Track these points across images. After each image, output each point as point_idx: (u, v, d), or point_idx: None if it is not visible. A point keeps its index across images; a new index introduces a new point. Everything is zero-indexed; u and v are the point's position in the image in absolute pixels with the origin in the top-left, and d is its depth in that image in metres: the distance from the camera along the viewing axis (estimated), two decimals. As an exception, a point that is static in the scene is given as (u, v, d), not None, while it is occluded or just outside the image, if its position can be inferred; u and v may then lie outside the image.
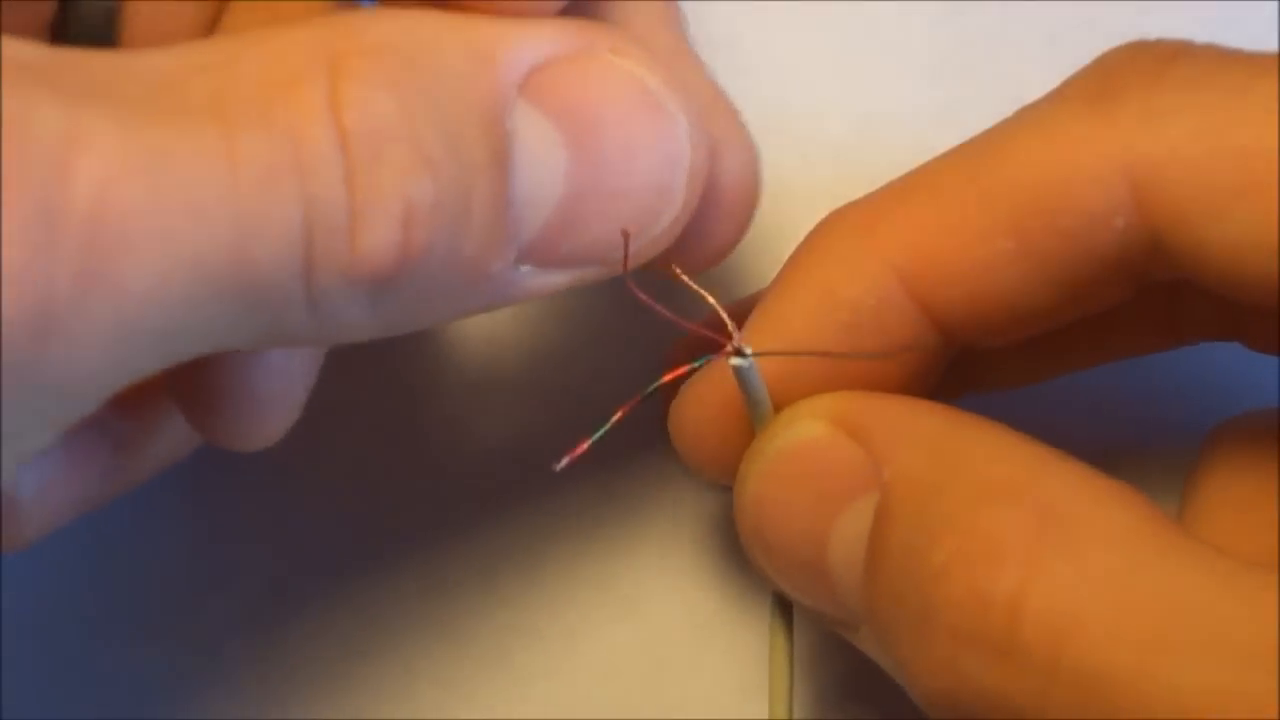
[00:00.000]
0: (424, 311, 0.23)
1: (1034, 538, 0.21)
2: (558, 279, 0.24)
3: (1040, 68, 0.26)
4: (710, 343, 0.25)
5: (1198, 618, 0.20)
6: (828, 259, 0.26)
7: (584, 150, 0.23)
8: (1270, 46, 0.30)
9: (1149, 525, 0.22)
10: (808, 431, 0.25)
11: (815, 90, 0.32)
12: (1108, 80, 0.24)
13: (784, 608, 0.27)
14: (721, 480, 0.27)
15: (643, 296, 0.24)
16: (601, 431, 0.24)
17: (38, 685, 0.31)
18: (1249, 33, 0.32)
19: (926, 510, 0.23)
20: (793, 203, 0.27)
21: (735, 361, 0.25)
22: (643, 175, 0.23)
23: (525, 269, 0.23)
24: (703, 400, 0.27)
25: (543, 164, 0.22)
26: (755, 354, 0.25)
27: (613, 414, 0.24)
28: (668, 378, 0.25)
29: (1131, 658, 0.20)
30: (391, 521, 0.31)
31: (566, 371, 0.31)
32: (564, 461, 0.24)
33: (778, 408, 0.25)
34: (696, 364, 0.25)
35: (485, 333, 0.32)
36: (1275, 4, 0.32)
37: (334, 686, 0.31)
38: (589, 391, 0.31)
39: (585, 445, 0.24)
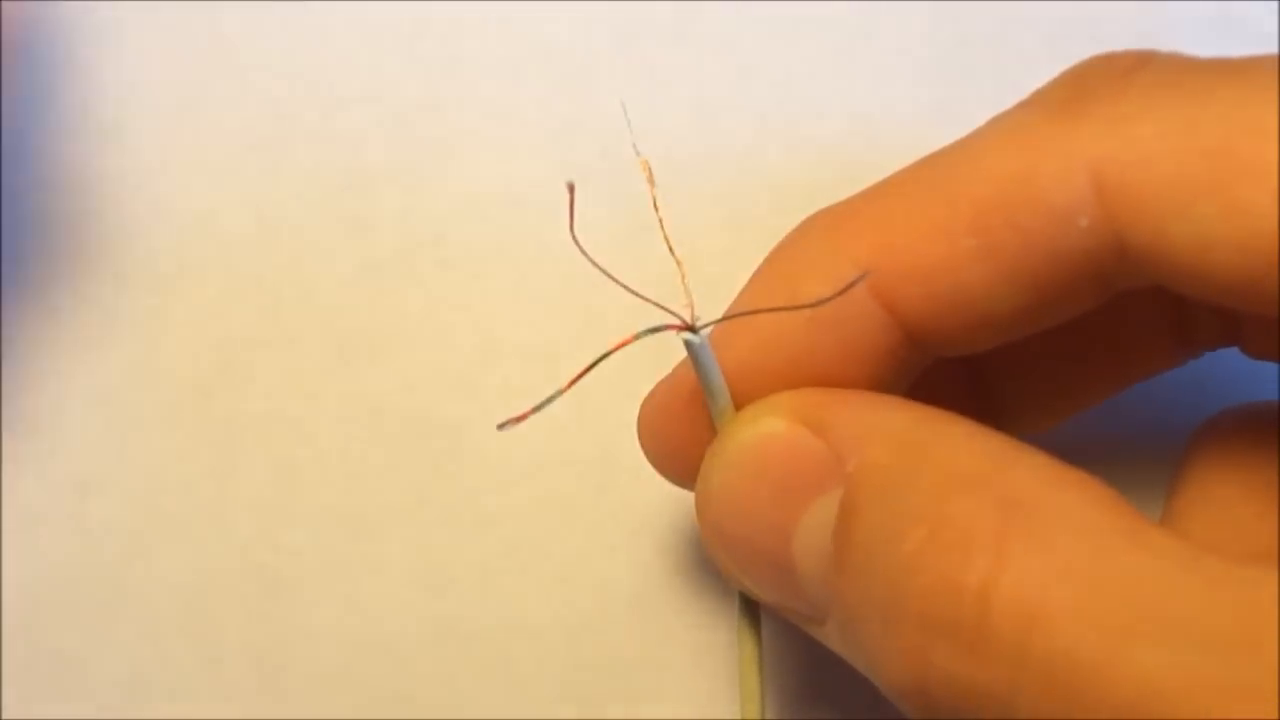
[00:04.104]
0: None
1: (1002, 527, 0.21)
2: None
3: (1040, 68, 0.26)
4: (667, 318, 0.25)
5: (1163, 604, 0.20)
6: (794, 259, 0.26)
7: None
8: (1270, 46, 0.30)
9: (1114, 514, 0.22)
10: (769, 427, 0.25)
11: (815, 90, 0.32)
12: (1075, 88, 0.24)
13: (751, 608, 0.27)
14: (689, 484, 0.27)
15: (605, 270, 0.24)
16: (547, 400, 0.25)
17: (38, 685, 0.31)
18: (1249, 33, 0.32)
19: (893, 502, 0.23)
20: (793, 203, 0.27)
21: (686, 336, 0.25)
22: None
23: None
24: (667, 403, 0.27)
25: None
26: (705, 326, 0.25)
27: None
28: (613, 348, 0.25)
29: (1099, 644, 0.20)
30: (390, 520, 0.31)
31: (566, 371, 0.31)
32: (505, 423, 0.24)
33: (740, 406, 0.26)
34: (642, 333, 0.25)
35: (485, 332, 0.32)
36: (1275, 4, 0.32)
37: (334, 686, 0.31)
38: (589, 390, 0.31)
39: (530, 412, 0.24)
